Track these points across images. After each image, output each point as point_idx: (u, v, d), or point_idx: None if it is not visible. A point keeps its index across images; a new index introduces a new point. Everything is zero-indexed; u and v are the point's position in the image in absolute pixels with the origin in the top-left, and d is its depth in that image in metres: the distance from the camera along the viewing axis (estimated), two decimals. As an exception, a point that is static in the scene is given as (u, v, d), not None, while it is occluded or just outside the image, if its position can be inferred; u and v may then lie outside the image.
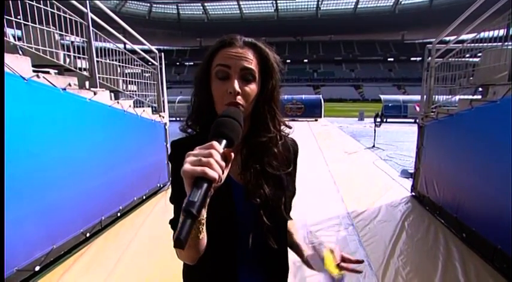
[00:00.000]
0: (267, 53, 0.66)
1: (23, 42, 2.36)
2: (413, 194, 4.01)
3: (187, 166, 0.46)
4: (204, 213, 0.53)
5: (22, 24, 2.31)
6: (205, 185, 0.44)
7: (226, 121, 0.53)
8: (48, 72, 2.65)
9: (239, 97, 0.62)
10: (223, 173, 0.48)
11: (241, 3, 54.89)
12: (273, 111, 0.69)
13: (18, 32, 2.38)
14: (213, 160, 0.45)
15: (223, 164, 0.47)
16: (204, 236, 0.58)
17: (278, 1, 54.76)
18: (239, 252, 0.68)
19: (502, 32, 2.69)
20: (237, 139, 0.53)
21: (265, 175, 0.68)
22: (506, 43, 2.67)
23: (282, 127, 0.74)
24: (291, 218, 0.83)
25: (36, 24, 2.38)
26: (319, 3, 54.81)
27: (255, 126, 0.68)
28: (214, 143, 0.48)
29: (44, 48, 2.48)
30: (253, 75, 0.64)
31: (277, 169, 0.70)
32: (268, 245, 0.68)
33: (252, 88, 0.64)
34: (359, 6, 54.24)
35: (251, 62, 0.63)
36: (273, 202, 0.68)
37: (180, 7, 56.69)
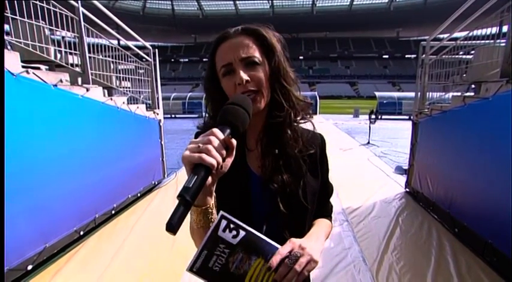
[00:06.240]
0: (262, 32, 0.65)
1: (11, 37, 2.30)
2: (407, 190, 4.05)
3: (185, 152, 0.46)
4: (210, 201, 0.53)
5: (10, 19, 2.25)
6: (202, 172, 0.44)
7: (230, 109, 0.52)
8: (38, 68, 2.59)
9: (250, 84, 0.61)
10: (224, 160, 0.47)
11: (236, -1, 54.49)
12: (283, 88, 0.66)
13: (6, 27, 2.32)
14: (211, 146, 0.45)
15: (223, 151, 0.47)
16: None
17: (273, -3, 54.50)
18: None
19: (494, 30, 2.72)
20: (242, 125, 0.52)
21: (283, 159, 0.66)
22: (498, 41, 2.69)
23: (312, 120, 0.72)
24: (329, 215, 0.80)
25: (24, 18, 2.32)
26: (315, 0, 54.68)
27: (271, 108, 0.66)
28: (215, 130, 0.47)
29: (34, 43, 2.42)
30: (255, 59, 0.62)
31: (296, 149, 0.67)
32: (282, 237, 0.62)
33: (260, 71, 0.62)
34: (354, 3, 54.22)
35: (249, 48, 0.62)
36: (290, 189, 0.65)
37: (174, 3, 55.94)
